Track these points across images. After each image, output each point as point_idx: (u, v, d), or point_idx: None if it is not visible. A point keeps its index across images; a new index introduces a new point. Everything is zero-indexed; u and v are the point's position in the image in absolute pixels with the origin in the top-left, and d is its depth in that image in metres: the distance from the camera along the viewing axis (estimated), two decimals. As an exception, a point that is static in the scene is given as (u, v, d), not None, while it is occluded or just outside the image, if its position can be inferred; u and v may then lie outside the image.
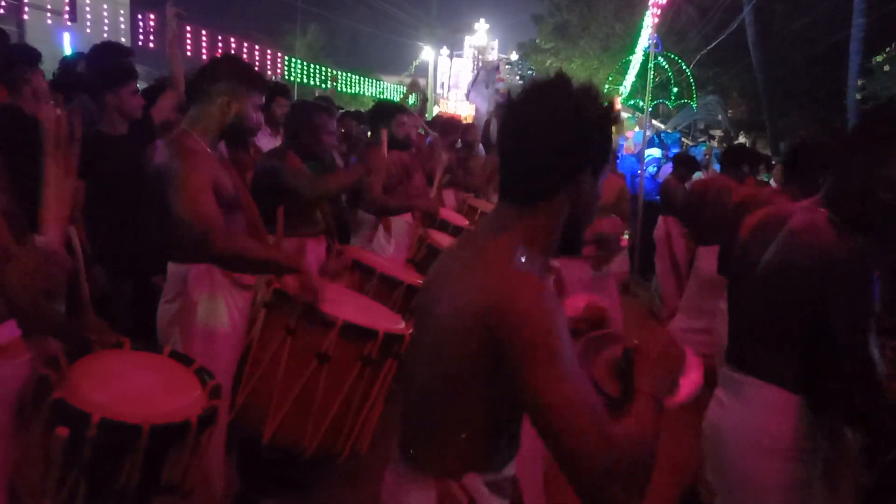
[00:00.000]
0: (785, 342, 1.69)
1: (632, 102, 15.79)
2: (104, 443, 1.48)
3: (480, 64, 26.39)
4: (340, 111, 6.30)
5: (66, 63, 4.65)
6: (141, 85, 3.57)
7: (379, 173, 3.62)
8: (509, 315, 1.05)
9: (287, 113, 3.79)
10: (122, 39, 10.45)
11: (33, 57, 3.26)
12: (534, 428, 1.06)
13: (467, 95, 16.02)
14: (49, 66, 3.89)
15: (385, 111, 4.08)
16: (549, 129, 1.11)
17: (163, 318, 2.37)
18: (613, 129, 1.19)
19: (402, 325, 2.43)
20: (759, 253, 1.79)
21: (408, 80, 6.78)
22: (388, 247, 3.84)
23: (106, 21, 12.79)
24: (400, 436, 1.29)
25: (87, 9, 12.81)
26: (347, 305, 2.41)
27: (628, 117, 17.20)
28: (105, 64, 3.52)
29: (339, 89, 20.93)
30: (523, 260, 1.12)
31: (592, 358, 1.36)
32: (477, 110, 11.50)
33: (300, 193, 3.09)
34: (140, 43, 12.20)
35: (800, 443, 1.68)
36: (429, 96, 25.36)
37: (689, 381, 1.26)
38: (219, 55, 2.81)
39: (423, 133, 5.64)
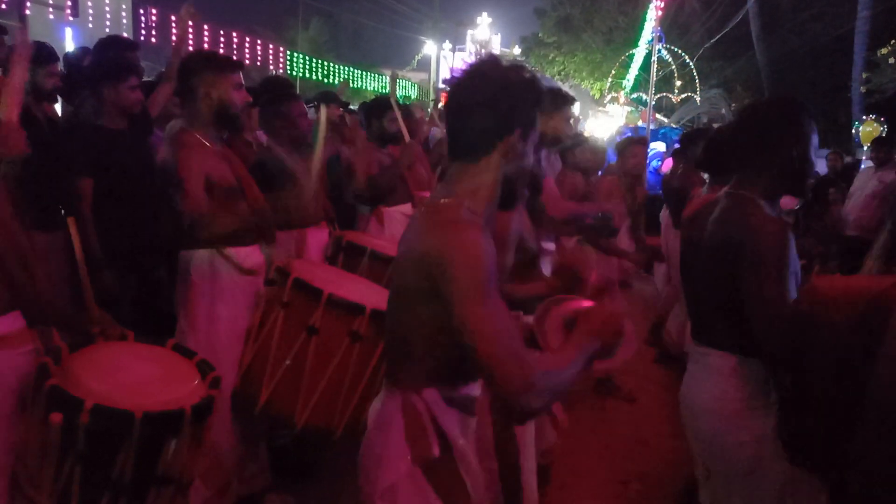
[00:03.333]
0: (724, 310, 1.85)
1: (635, 96, 15.76)
2: (97, 430, 1.49)
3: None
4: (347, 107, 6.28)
5: (68, 59, 4.65)
6: (146, 79, 3.57)
7: (361, 161, 3.66)
8: (441, 259, 1.27)
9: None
10: (124, 34, 10.44)
11: (38, 56, 3.26)
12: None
13: None
14: (51, 61, 3.89)
15: (376, 106, 4.08)
16: (481, 99, 1.35)
17: (176, 302, 2.55)
18: (539, 99, 1.41)
19: None
20: (698, 237, 1.96)
21: (411, 75, 6.77)
22: (382, 236, 3.84)
23: (108, 16, 12.76)
24: (385, 364, 1.54)
25: (90, 4, 12.80)
26: (344, 284, 2.47)
27: (631, 111, 17.16)
28: (106, 58, 3.52)
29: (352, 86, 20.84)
30: (467, 212, 1.34)
31: (547, 314, 1.61)
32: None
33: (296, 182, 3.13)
34: (142, 38, 12.19)
35: (749, 402, 1.84)
36: (430, 90, 25.32)
37: (623, 353, 1.48)
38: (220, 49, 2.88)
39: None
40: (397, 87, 5.48)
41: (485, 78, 1.37)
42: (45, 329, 1.85)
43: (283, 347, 2.32)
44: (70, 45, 9.59)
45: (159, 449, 1.57)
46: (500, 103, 1.35)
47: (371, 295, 2.46)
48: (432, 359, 1.39)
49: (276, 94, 3.50)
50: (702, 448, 2.01)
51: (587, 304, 1.59)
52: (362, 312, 2.27)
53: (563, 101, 3.18)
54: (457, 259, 1.26)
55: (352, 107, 6.08)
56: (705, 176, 3.94)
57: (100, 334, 1.88)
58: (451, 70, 1.44)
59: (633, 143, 4.14)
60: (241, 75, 2.56)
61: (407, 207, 4.05)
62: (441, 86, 27.43)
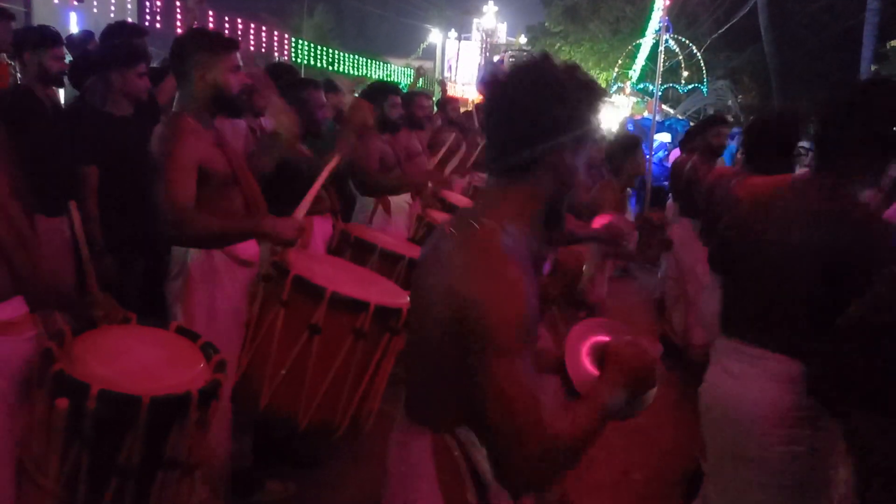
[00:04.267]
0: (805, 313, 1.72)
1: (641, 86, 15.65)
2: (104, 415, 1.48)
3: (488, 48, 26.19)
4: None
5: (71, 42, 4.63)
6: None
7: (372, 154, 3.63)
8: (475, 297, 1.12)
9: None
10: (129, 20, 10.39)
11: (43, 38, 3.25)
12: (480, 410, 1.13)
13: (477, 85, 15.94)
14: (56, 47, 3.88)
15: (377, 91, 4.04)
16: (530, 105, 1.17)
17: (169, 296, 2.43)
18: (598, 106, 1.23)
19: (405, 300, 2.38)
20: (763, 228, 1.83)
21: (415, 63, 6.74)
22: (387, 227, 3.82)
23: (113, 1, 12.71)
24: (405, 395, 1.38)
25: (94, -12, 12.75)
26: (346, 278, 2.42)
27: (637, 101, 17.04)
28: (115, 44, 3.50)
29: (343, 72, 20.77)
30: (508, 238, 1.18)
31: (582, 338, 1.42)
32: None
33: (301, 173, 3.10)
34: (147, 23, 12.14)
35: (809, 412, 1.71)
36: (435, 79, 25.18)
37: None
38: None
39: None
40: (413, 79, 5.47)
41: (536, 80, 1.17)
42: (48, 313, 1.85)
43: (283, 347, 2.24)
44: (75, 30, 9.55)
45: (166, 433, 1.57)
46: (552, 111, 1.16)
47: (372, 288, 2.41)
48: (465, 396, 1.20)
49: (298, 79, 3.46)
50: (737, 454, 1.85)
51: (613, 331, 1.40)
52: (366, 309, 2.20)
53: None
54: (494, 302, 1.10)
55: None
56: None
57: (102, 318, 1.87)
58: (488, 65, 1.18)
59: (635, 146, 3.90)
60: (238, 56, 2.44)
61: (408, 196, 4.04)
62: (446, 74, 27.31)
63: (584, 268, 2.89)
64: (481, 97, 1.31)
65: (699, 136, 4.90)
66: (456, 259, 1.19)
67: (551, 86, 1.17)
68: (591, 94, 1.21)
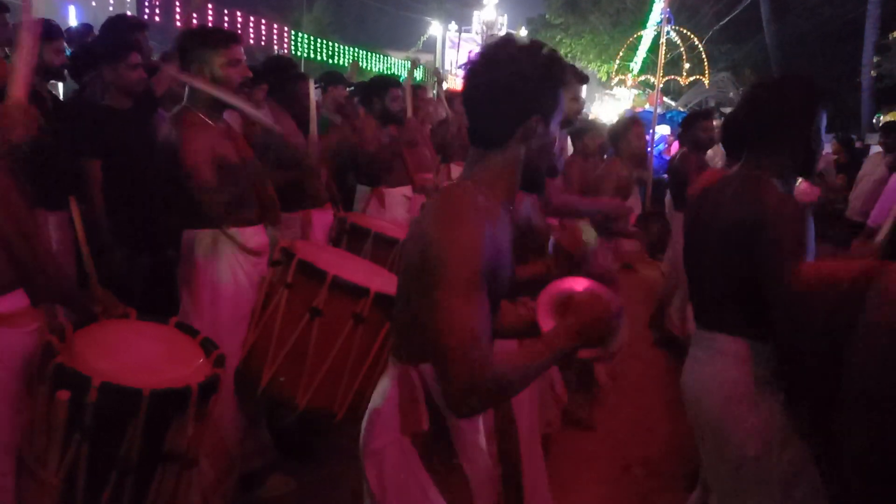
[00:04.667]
0: (736, 293, 1.82)
1: (643, 79, 15.61)
2: (105, 408, 1.49)
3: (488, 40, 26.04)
4: (351, 88, 6.22)
5: (71, 35, 4.61)
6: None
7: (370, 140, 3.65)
8: (438, 239, 1.25)
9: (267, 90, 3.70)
10: (128, 13, 10.33)
11: (44, 32, 3.22)
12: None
13: None
14: (55, 40, 3.85)
15: (378, 84, 4.02)
16: (498, 82, 1.30)
17: (179, 281, 2.53)
18: (560, 78, 1.34)
19: None
20: (708, 217, 1.93)
21: (415, 57, 6.71)
22: (383, 218, 3.81)
23: (111, -6, 12.69)
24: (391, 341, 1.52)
25: (93, -19, 12.70)
26: (349, 266, 2.46)
27: (638, 93, 17.00)
28: (105, 38, 3.49)
29: (343, 65, 20.74)
30: (481, 198, 1.31)
31: (551, 290, 1.54)
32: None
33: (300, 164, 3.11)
34: (146, 16, 12.10)
35: (758, 387, 1.81)
36: (430, 71, 25.08)
37: (615, 344, 1.41)
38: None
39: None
40: (410, 72, 5.43)
41: (499, 62, 1.31)
42: (50, 307, 1.85)
43: (286, 329, 2.31)
44: (74, 23, 9.52)
45: (166, 426, 1.58)
46: (516, 88, 1.30)
47: (375, 277, 2.45)
48: (426, 332, 1.34)
49: (286, 73, 3.47)
50: (706, 434, 1.97)
51: (583, 284, 1.51)
52: (366, 295, 2.26)
53: (576, 79, 3.13)
54: (450, 243, 1.24)
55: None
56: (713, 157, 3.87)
57: (102, 313, 1.88)
58: (469, 54, 1.34)
59: (633, 124, 3.97)
60: (241, 50, 2.49)
61: (407, 189, 4.02)
62: (447, 68, 27.24)
63: (583, 237, 2.94)
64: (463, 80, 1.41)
65: (689, 130, 4.90)
66: (431, 210, 1.33)
67: (513, 65, 1.29)
68: (550, 69, 1.32)
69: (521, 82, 1.30)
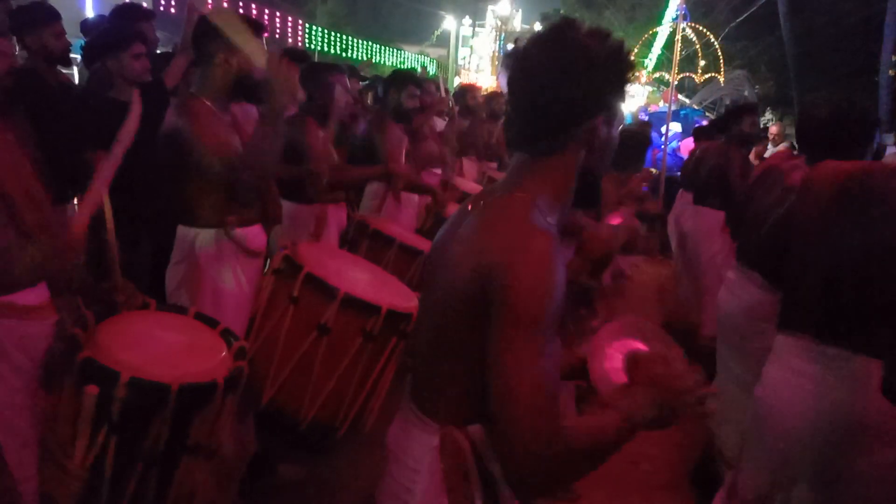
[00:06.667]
0: (886, 311, 1.65)
1: (657, 76, 15.49)
2: (133, 402, 1.51)
3: (503, 35, 25.95)
4: (365, 82, 6.24)
5: (87, 27, 4.64)
6: (163, 50, 3.53)
7: (397, 147, 3.59)
8: (503, 263, 1.02)
9: (299, 77, 3.57)
10: (144, 4, 10.38)
11: (38, 17, 3.22)
12: (488, 386, 1.03)
13: (497, 76, 15.86)
14: (72, 30, 3.85)
15: (397, 79, 3.97)
16: (557, 73, 1.06)
17: (171, 281, 2.39)
18: (630, 72, 1.13)
19: (415, 303, 2.34)
20: (840, 225, 1.78)
21: (429, 50, 6.68)
22: (397, 216, 3.74)
23: (128, -14, 12.76)
24: (408, 385, 1.29)
25: (110, -27, 12.77)
26: (358, 278, 2.37)
27: (652, 90, 16.87)
28: (105, 30, 3.46)
29: (356, 58, 20.74)
30: (540, 214, 1.08)
31: (614, 339, 1.29)
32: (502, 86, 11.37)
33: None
34: (161, 8, 12.16)
35: None
36: (450, 66, 25.02)
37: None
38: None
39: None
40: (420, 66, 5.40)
41: (562, 48, 1.07)
42: (71, 298, 1.88)
43: (290, 345, 2.21)
44: (90, 13, 9.58)
45: (191, 419, 1.61)
46: (582, 80, 1.06)
47: (383, 289, 2.38)
48: (477, 382, 1.07)
49: (323, 63, 3.36)
50: (814, 463, 1.74)
51: (649, 341, 1.25)
52: (378, 313, 2.15)
53: None
54: (522, 271, 1.00)
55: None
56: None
57: (123, 304, 1.89)
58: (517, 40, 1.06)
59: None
60: (264, 41, 2.37)
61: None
62: (460, 63, 27.13)
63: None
64: (500, 80, 1.19)
65: (732, 125, 4.74)
66: (482, 230, 1.09)
67: (580, 51, 1.06)
68: (621, 60, 1.10)
69: (588, 69, 1.06)
